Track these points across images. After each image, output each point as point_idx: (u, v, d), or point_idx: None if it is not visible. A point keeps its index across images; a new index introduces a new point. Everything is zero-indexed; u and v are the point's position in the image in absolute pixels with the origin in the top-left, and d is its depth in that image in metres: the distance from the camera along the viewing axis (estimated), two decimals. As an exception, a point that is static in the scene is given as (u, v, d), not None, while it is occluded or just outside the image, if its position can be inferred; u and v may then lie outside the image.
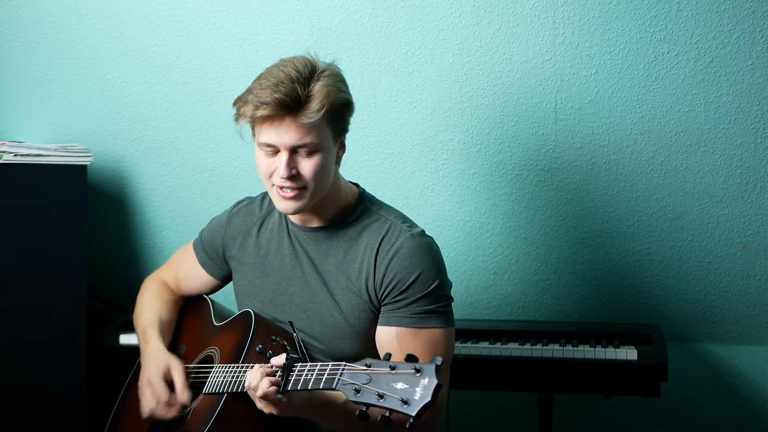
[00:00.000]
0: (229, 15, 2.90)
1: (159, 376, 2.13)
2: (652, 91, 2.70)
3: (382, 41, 2.81)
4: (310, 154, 2.01)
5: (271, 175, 2.03)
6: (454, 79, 2.79)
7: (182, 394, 2.10)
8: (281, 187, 2.03)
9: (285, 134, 1.99)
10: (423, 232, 2.10)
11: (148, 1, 2.93)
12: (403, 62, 2.81)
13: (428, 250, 2.06)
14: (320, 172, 2.02)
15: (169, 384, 2.13)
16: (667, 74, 2.68)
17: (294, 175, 2.01)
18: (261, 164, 2.05)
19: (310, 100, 1.97)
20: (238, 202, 2.32)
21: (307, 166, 2.01)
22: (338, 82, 2.04)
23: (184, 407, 2.11)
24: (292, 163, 2.01)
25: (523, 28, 2.72)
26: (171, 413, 2.10)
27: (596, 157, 2.77)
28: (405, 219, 2.13)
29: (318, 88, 1.98)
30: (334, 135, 2.04)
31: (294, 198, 2.03)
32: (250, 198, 2.31)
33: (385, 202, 2.19)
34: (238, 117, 2.04)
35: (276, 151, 2.02)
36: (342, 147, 2.10)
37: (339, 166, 2.12)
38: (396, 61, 2.82)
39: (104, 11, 2.97)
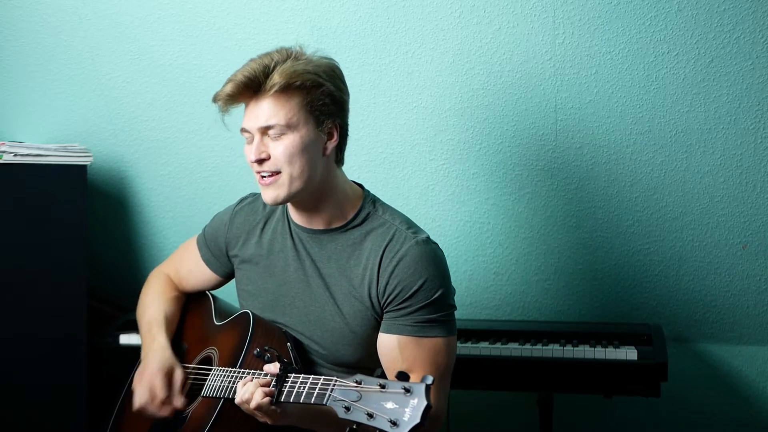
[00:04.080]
0: (229, 15, 2.90)
1: (161, 374, 2.13)
2: (652, 91, 2.70)
3: (382, 41, 2.81)
4: (280, 136, 2.01)
5: (252, 164, 2.05)
6: (454, 79, 2.79)
7: (177, 399, 2.11)
8: (261, 176, 2.04)
9: (253, 116, 2.03)
10: (428, 238, 2.07)
11: (148, 1, 2.94)
12: (403, 62, 2.81)
13: (433, 258, 2.04)
14: (292, 156, 2.00)
15: (169, 385, 2.13)
16: (667, 74, 2.68)
17: (264, 159, 2.02)
18: (245, 153, 2.07)
19: (272, 77, 2.00)
20: (242, 199, 2.30)
21: (276, 148, 2.01)
22: (315, 66, 2.03)
23: (177, 412, 2.11)
24: (262, 147, 2.02)
25: (523, 28, 2.72)
26: (163, 413, 2.11)
27: (596, 157, 2.77)
28: (410, 224, 2.10)
29: (284, 68, 2.00)
30: (315, 120, 2.02)
31: (272, 185, 2.03)
32: (255, 195, 2.28)
33: (386, 202, 2.18)
34: (214, 100, 2.07)
35: (252, 136, 2.04)
36: (331, 137, 2.06)
37: (334, 158, 2.09)
38: (396, 61, 2.82)
39: (104, 11, 2.97)
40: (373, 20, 2.81)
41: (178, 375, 2.14)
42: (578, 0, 2.68)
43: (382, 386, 1.62)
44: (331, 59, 2.10)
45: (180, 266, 2.39)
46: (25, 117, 3.09)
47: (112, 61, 3.00)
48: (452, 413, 2.81)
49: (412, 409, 1.57)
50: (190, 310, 2.38)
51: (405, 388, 1.59)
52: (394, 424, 1.57)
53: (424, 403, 1.57)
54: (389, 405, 1.59)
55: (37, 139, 3.05)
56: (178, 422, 2.09)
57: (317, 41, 2.82)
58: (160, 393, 2.11)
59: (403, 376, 1.62)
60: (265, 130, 2.02)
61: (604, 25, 2.68)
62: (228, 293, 2.39)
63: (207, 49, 2.92)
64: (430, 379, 1.60)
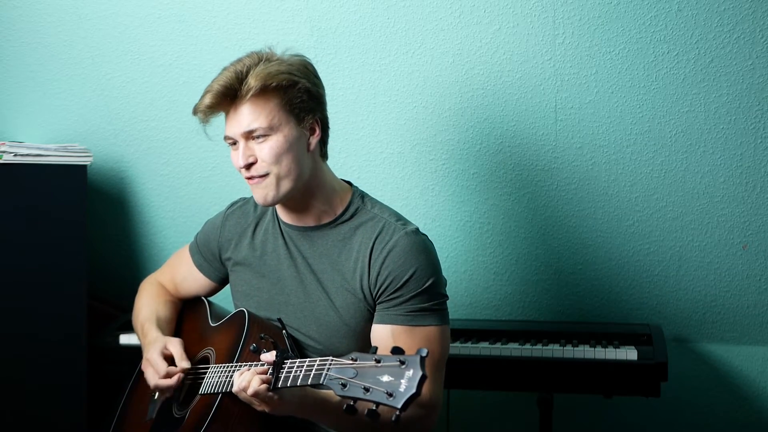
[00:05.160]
0: (229, 15, 2.90)
1: (157, 353, 2.15)
2: (652, 91, 2.70)
3: (382, 41, 2.81)
4: (264, 138, 2.03)
5: (240, 169, 2.07)
6: (454, 79, 2.79)
7: (181, 362, 2.12)
8: (250, 178, 2.06)
9: (235, 123, 2.05)
10: (417, 230, 2.10)
11: (148, 1, 2.94)
12: (403, 62, 2.81)
13: (423, 247, 2.06)
14: (278, 156, 2.03)
15: (168, 359, 2.14)
16: (667, 74, 2.68)
17: (252, 163, 2.04)
18: (231, 160, 2.09)
19: (247, 83, 2.01)
20: (233, 204, 2.32)
21: (262, 150, 2.03)
22: (288, 66, 2.05)
23: (176, 412, 2.11)
24: (248, 152, 2.05)
25: (523, 28, 2.72)
26: (172, 382, 2.10)
27: (596, 157, 2.77)
28: (399, 217, 2.13)
29: (257, 71, 2.02)
30: (295, 118, 2.05)
31: (262, 186, 2.05)
32: (245, 199, 2.31)
33: (386, 202, 2.19)
34: (194, 113, 2.09)
35: (235, 142, 2.06)
36: (313, 132, 2.08)
37: (319, 153, 2.11)
38: (396, 61, 2.82)
39: (104, 11, 2.97)
40: (373, 20, 2.81)
41: (173, 342, 2.16)
42: (578, 0, 2.68)
43: (378, 361, 1.63)
44: (302, 56, 2.12)
45: (174, 273, 2.40)
46: (25, 117, 3.09)
47: (112, 61, 3.00)
48: (452, 413, 2.81)
49: (408, 380, 1.58)
50: (186, 315, 2.39)
51: (400, 361, 1.60)
52: (390, 395, 1.58)
53: (419, 373, 1.58)
54: (385, 378, 1.60)
55: (37, 139, 3.05)
56: (178, 421, 2.10)
57: (317, 41, 2.82)
58: (161, 367, 2.11)
59: (397, 350, 1.64)
60: (248, 135, 2.04)
61: (604, 25, 2.68)
62: (225, 299, 2.39)
63: (207, 49, 2.92)
64: (424, 351, 1.61)
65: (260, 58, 2.06)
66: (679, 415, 2.93)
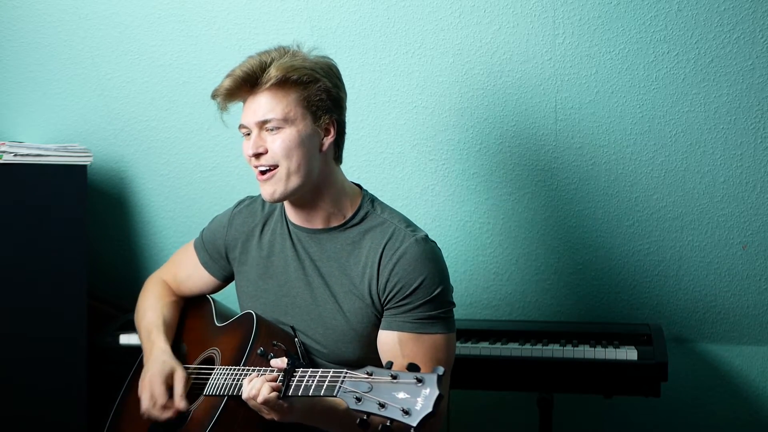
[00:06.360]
0: (229, 15, 2.90)
1: (161, 378, 2.13)
2: (652, 91, 2.70)
3: (382, 41, 2.81)
4: (277, 130, 2.03)
5: (249, 158, 2.07)
6: (454, 79, 2.79)
7: (180, 401, 2.10)
8: (260, 171, 2.06)
9: (251, 111, 2.06)
10: (426, 237, 2.09)
11: (148, 1, 2.94)
12: (403, 62, 2.81)
13: (432, 255, 2.06)
14: (289, 149, 2.03)
15: (169, 388, 2.12)
16: (667, 74, 2.68)
17: (262, 153, 2.05)
18: (243, 150, 2.09)
19: (269, 72, 2.03)
20: (240, 202, 2.31)
21: (274, 142, 2.04)
22: (312, 63, 2.07)
23: (180, 414, 2.11)
24: (259, 141, 2.05)
25: (523, 28, 2.72)
26: (165, 415, 2.10)
27: (596, 157, 2.77)
28: (409, 223, 2.12)
29: (280, 63, 2.04)
30: (312, 116, 2.05)
31: (270, 180, 2.05)
32: (252, 197, 2.30)
33: (386, 202, 2.19)
34: (213, 97, 2.10)
35: (249, 132, 2.07)
36: (328, 133, 2.08)
37: (332, 155, 2.11)
38: (396, 61, 2.82)
39: (104, 11, 2.97)
40: (373, 20, 2.81)
41: (179, 376, 2.13)
42: (578, 0, 2.68)
43: (394, 377, 1.62)
44: (328, 58, 2.13)
45: (178, 271, 2.39)
46: (25, 117, 3.09)
47: (112, 61, 3.00)
48: (452, 413, 2.81)
49: (425, 399, 1.58)
50: (190, 313, 2.38)
51: (417, 378, 1.60)
52: (406, 413, 1.58)
53: (436, 392, 1.58)
54: (401, 395, 1.60)
55: (37, 139, 3.05)
56: (180, 421, 2.09)
57: (317, 41, 2.82)
58: (161, 398, 2.10)
59: (413, 368, 1.63)
60: (262, 125, 2.04)
61: (604, 25, 2.68)
62: (227, 297, 2.39)
63: (207, 49, 2.92)
64: (441, 370, 1.61)
65: (286, 52, 2.08)
66: (679, 415, 2.93)
